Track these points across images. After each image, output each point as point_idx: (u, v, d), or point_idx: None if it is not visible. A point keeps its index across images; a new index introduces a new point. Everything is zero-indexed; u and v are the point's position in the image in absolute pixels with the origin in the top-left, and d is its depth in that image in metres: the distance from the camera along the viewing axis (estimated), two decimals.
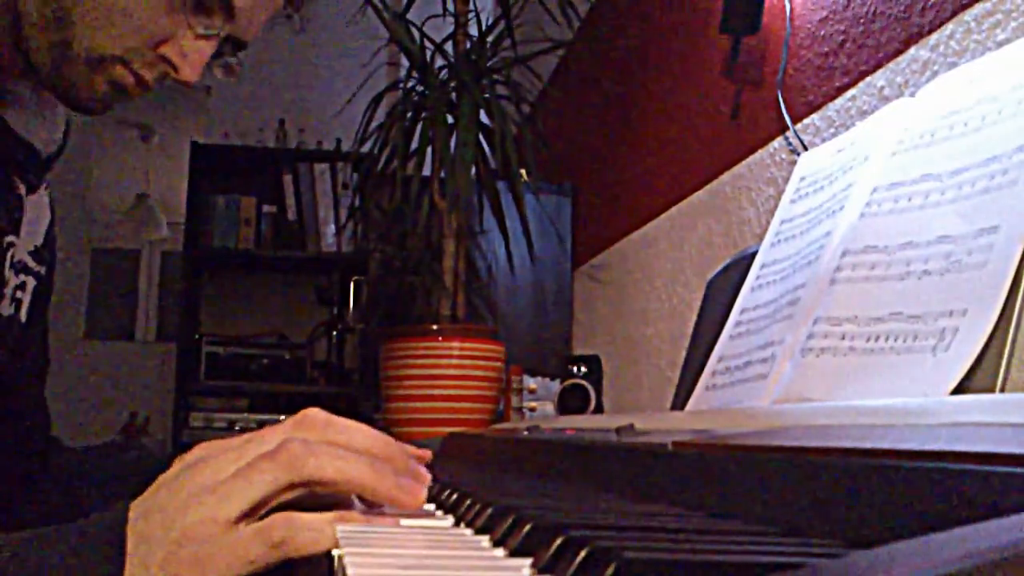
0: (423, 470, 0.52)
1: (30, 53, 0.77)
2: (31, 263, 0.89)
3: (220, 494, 0.46)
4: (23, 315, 0.88)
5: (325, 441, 0.49)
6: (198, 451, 0.51)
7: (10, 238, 0.84)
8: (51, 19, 0.75)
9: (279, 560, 0.46)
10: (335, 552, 0.41)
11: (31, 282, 0.88)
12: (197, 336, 3.52)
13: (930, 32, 1.07)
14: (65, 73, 0.77)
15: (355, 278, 3.44)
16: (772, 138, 1.44)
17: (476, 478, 0.73)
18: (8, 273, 0.84)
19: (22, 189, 0.86)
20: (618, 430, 0.62)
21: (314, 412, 0.52)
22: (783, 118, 1.37)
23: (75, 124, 0.94)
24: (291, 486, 0.47)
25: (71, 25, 0.75)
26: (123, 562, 0.46)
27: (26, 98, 0.84)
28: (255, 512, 0.46)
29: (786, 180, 1.06)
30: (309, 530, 0.45)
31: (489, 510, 0.43)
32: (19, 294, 0.87)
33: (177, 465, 0.51)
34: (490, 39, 2.01)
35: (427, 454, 0.61)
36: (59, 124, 0.90)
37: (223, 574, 0.46)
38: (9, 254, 0.84)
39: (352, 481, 0.47)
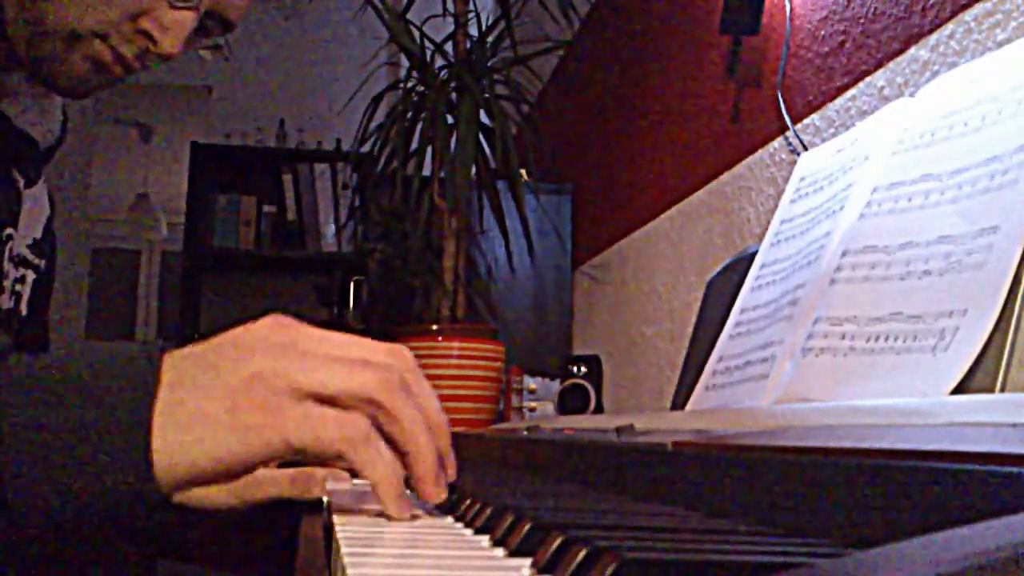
0: (452, 455, 0.53)
1: (7, 33, 0.77)
2: (30, 256, 0.89)
3: (307, 364, 0.47)
4: (23, 308, 0.88)
5: (413, 399, 0.49)
6: (275, 325, 0.51)
7: (9, 231, 0.84)
8: None
9: (325, 458, 0.46)
10: (338, 551, 0.41)
11: (30, 275, 0.88)
12: (197, 336, 3.51)
13: (930, 32, 1.07)
14: (42, 52, 0.76)
15: (355, 278, 3.44)
16: (772, 138, 1.44)
17: (476, 478, 0.73)
18: (7, 266, 0.84)
19: (20, 182, 0.86)
20: (618, 430, 0.62)
21: (408, 355, 0.52)
22: (783, 118, 1.37)
23: (74, 122, 0.94)
24: (375, 403, 0.47)
25: (45, 0, 0.74)
26: (153, 396, 0.46)
27: (23, 90, 0.84)
28: (325, 401, 0.46)
29: (786, 180, 1.06)
30: (366, 460, 0.46)
31: (489, 510, 0.43)
32: (18, 287, 0.87)
33: (240, 330, 0.51)
34: (490, 39, 2.01)
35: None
36: (56, 116, 0.89)
37: (280, 439, 0.46)
38: (8, 247, 0.84)
39: (416, 453, 0.48)
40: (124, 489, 0.45)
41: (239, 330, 0.50)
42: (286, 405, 0.46)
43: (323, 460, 0.48)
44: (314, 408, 0.46)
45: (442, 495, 0.49)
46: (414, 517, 0.49)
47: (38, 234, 0.90)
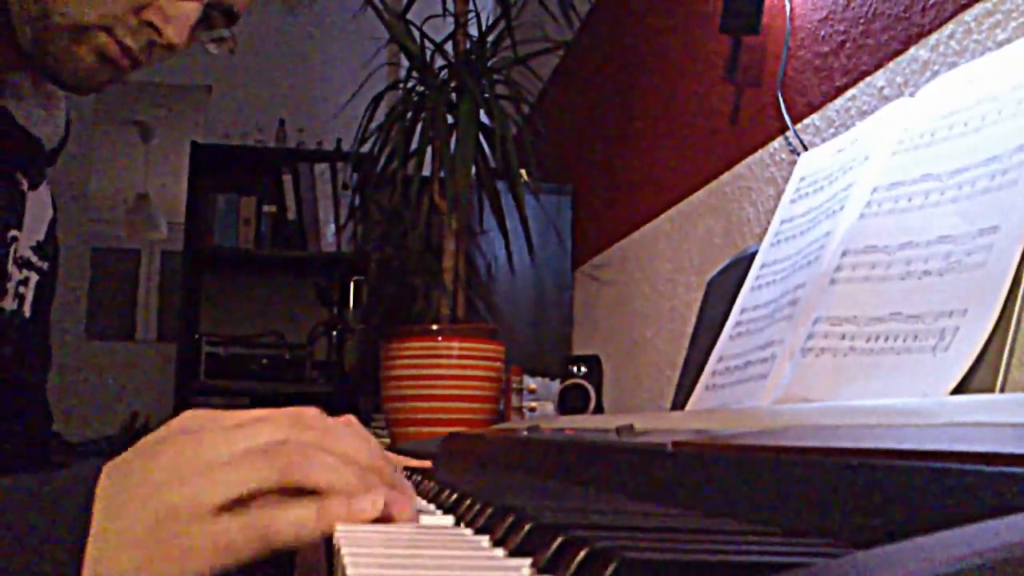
0: (407, 483, 0.51)
1: (14, 29, 0.77)
2: (34, 258, 0.89)
3: (209, 479, 0.45)
4: (26, 310, 0.88)
5: (320, 446, 0.48)
6: (186, 420, 0.50)
7: (13, 233, 0.84)
8: None
9: (263, 552, 0.45)
10: (338, 551, 0.41)
11: (34, 277, 0.88)
12: (197, 336, 3.52)
13: (930, 32, 1.07)
14: (48, 46, 0.76)
15: (355, 278, 3.44)
16: (772, 138, 1.44)
17: (476, 478, 0.73)
18: (11, 268, 0.84)
19: (24, 184, 0.86)
20: (618, 430, 0.62)
21: (312, 413, 0.51)
22: (783, 118, 1.37)
23: (75, 123, 0.94)
24: (280, 488, 0.46)
25: None
26: (88, 522, 0.45)
27: (28, 91, 0.84)
28: (239, 504, 0.45)
29: (786, 180, 1.06)
30: (292, 524, 0.45)
31: (489, 510, 0.43)
32: (22, 289, 0.87)
33: (163, 430, 0.49)
34: (490, 39, 2.01)
35: (426, 464, 0.61)
36: (61, 118, 0.90)
37: (205, 563, 0.44)
38: (12, 249, 0.84)
39: (339, 490, 0.46)
40: None
41: (152, 437, 0.49)
42: (201, 534, 0.45)
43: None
44: (262, 522, 0.45)
45: (406, 512, 0.47)
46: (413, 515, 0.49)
47: (41, 236, 0.90)
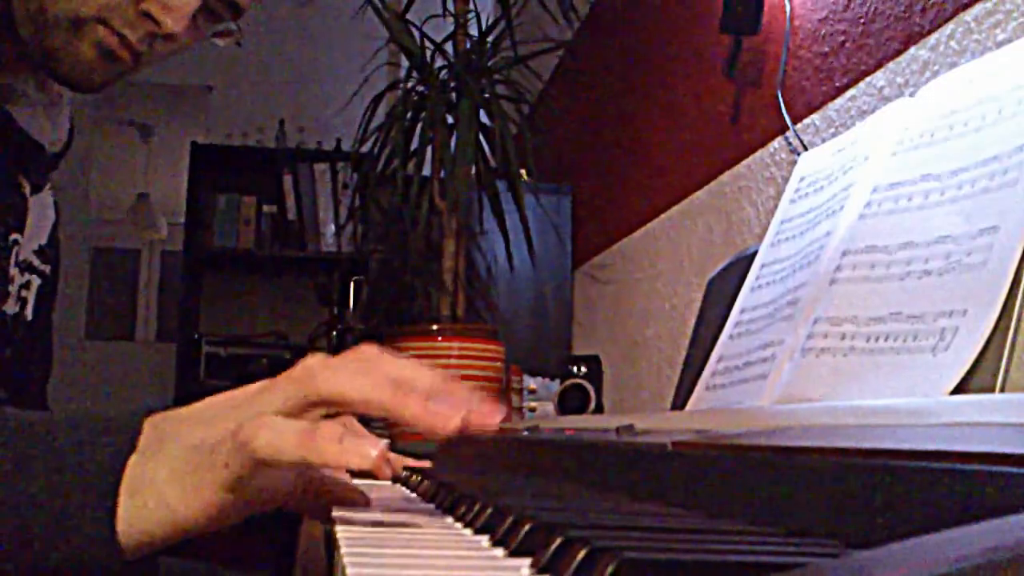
0: (491, 402, 0.49)
1: (17, 28, 0.77)
2: (36, 262, 0.89)
3: (241, 409, 0.47)
4: (28, 313, 0.88)
5: (357, 364, 0.48)
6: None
7: (15, 236, 0.84)
8: None
9: (249, 465, 0.44)
10: (338, 550, 0.40)
11: (36, 281, 0.88)
12: (197, 336, 3.52)
13: (930, 32, 1.07)
14: (48, 40, 0.76)
15: (355, 278, 3.44)
16: (772, 138, 1.44)
17: (476, 478, 0.73)
18: (13, 271, 0.84)
19: (27, 188, 0.86)
20: (618, 430, 0.62)
21: (369, 347, 0.51)
22: (783, 118, 1.37)
23: (75, 122, 0.94)
24: (309, 403, 0.46)
25: None
26: (124, 464, 0.47)
27: (32, 96, 0.84)
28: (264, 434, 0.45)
29: (786, 180, 1.06)
30: (273, 433, 0.44)
31: (489, 510, 0.43)
32: (24, 293, 0.87)
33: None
34: (490, 39, 2.01)
35: (426, 464, 0.62)
36: (64, 123, 0.90)
37: (215, 491, 0.46)
38: (14, 252, 0.84)
39: (371, 402, 0.46)
40: (88, 557, 0.46)
41: (223, 395, 0.51)
42: (223, 454, 0.46)
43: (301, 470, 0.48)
44: (246, 432, 0.45)
45: (448, 425, 0.46)
46: (414, 513, 0.49)
47: (43, 240, 0.90)
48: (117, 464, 0.47)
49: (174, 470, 0.46)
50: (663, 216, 1.90)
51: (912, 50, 1.10)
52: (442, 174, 1.92)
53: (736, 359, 0.91)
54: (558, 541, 0.32)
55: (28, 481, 0.46)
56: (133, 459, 0.47)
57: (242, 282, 3.89)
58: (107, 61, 0.79)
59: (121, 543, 0.46)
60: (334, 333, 3.59)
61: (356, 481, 0.57)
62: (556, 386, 1.94)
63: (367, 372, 0.47)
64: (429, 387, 0.48)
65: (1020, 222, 0.58)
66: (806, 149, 1.30)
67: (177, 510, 0.46)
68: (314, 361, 0.47)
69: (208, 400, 0.50)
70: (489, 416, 0.47)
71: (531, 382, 1.93)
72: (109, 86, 0.82)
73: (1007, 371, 0.56)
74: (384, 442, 0.44)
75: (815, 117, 1.32)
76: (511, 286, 2.37)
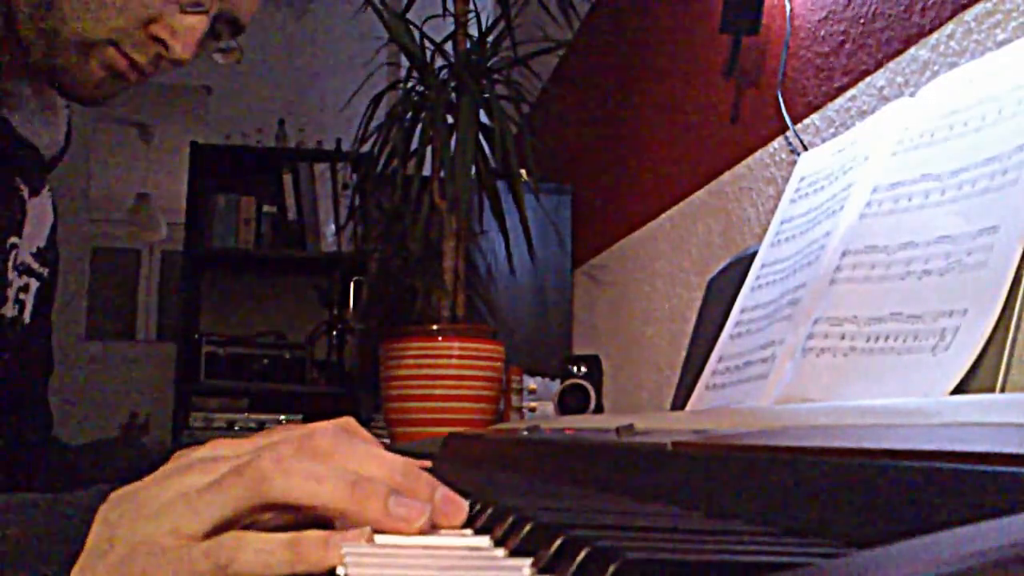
0: (454, 496, 0.44)
1: (25, 45, 0.77)
2: (34, 265, 0.89)
3: (190, 507, 0.43)
4: (26, 317, 0.88)
5: (312, 456, 0.44)
6: (201, 450, 0.49)
7: (13, 239, 0.84)
8: (40, 6, 0.76)
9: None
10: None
11: (34, 284, 0.88)
12: (197, 336, 3.52)
13: (930, 32, 1.07)
14: (58, 61, 0.77)
15: (355, 278, 3.44)
16: (772, 138, 1.44)
17: (476, 478, 0.73)
18: (11, 275, 0.85)
19: (25, 191, 0.86)
20: (618, 430, 0.62)
21: (324, 427, 0.47)
22: (783, 118, 1.37)
23: (75, 122, 0.94)
24: (261, 507, 0.42)
25: (59, 11, 0.75)
26: (79, 549, 0.43)
27: (29, 100, 0.85)
28: (224, 530, 0.42)
29: (786, 180, 1.06)
30: (257, 551, 0.41)
31: (489, 510, 0.43)
32: (22, 296, 0.87)
33: (172, 463, 0.48)
34: (490, 39, 2.01)
35: (426, 464, 0.58)
36: (61, 126, 0.90)
37: None
38: (12, 255, 0.84)
39: (328, 506, 0.42)
40: None
41: (166, 475, 0.46)
42: (161, 568, 0.42)
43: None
44: (226, 553, 0.42)
45: (413, 524, 0.41)
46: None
47: (42, 243, 0.90)
48: (66, 561, 0.43)
49: (122, 568, 0.42)
50: (663, 216, 1.90)
51: (912, 50, 1.10)
52: (442, 174, 1.92)
53: (736, 359, 0.91)
54: (559, 541, 0.32)
55: None
56: (75, 569, 0.43)
57: (242, 282, 3.89)
58: (113, 79, 0.80)
59: None
60: (334, 333, 3.59)
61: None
62: (556, 386, 1.94)
63: (322, 474, 0.42)
64: (390, 481, 0.43)
65: (1020, 222, 0.58)
66: (806, 149, 1.30)
67: None
68: (267, 463, 0.42)
69: (154, 483, 0.45)
70: (453, 514, 0.43)
71: (531, 382, 1.93)
72: (111, 99, 0.82)
73: (1007, 371, 0.56)
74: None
75: (815, 117, 1.32)
76: (511, 286, 2.37)
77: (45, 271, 0.91)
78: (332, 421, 0.51)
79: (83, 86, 0.79)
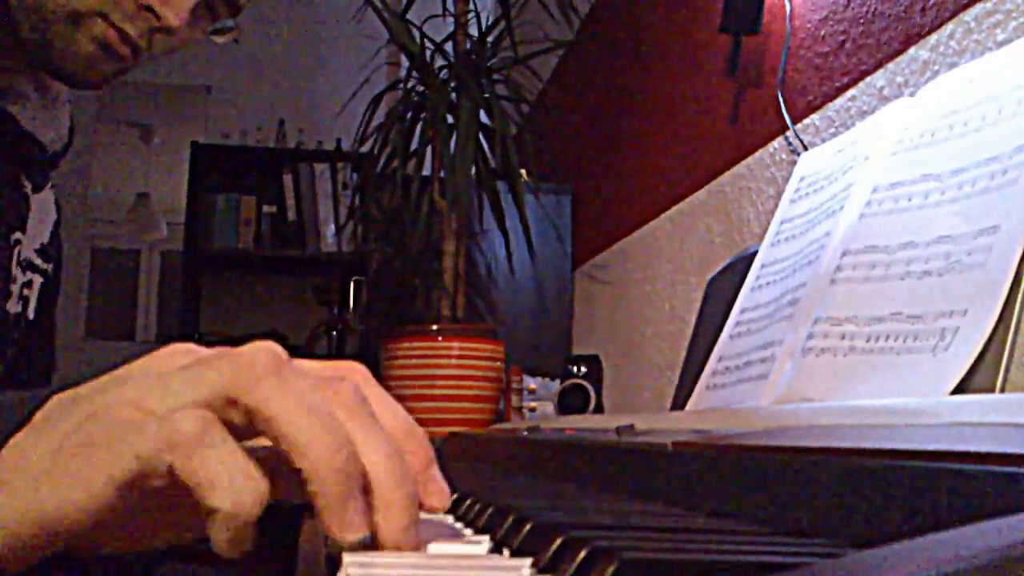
0: (442, 484, 0.39)
1: (14, 20, 0.77)
2: (38, 261, 0.89)
3: (159, 382, 0.36)
4: (30, 313, 0.88)
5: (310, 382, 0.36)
6: (165, 350, 0.41)
7: (17, 235, 0.84)
8: None
9: (164, 475, 0.34)
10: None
11: (38, 280, 0.89)
12: (197, 336, 3.52)
13: (930, 32, 1.07)
14: (48, 37, 0.76)
15: (355, 278, 3.44)
16: (772, 138, 1.44)
17: (476, 478, 0.73)
18: (15, 271, 0.85)
19: (28, 187, 0.86)
20: (618, 430, 0.62)
21: (358, 366, 0.40)
22: (783, 118, 1.37)
23: (75, 123, 0.94)
24: (232, 403, 0.35)
25: None
26: (24, 422, 0.38)
27: (32, 96, 0.84)
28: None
29: (786, 180, 1.06)
30: (217, 463, 0.33)
31: (489, 510, 0.43)
32: (26, 292, 0.87)
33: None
34: (490, 39, 2.01)
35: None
36: (64, 122, 0.90)
37: (109, 461, 0.34)
38: (16, 251, 0.84)
39: (299, 449, 0.34)
40: None
41: (145, 359, 0.41)
42: (137, 440, 0.34)
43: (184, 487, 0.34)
44: (137, 424, 0.35)
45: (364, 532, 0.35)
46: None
47: (45, 239, 0.90)
48: None
49: (59, 451, 0.35)
50: (663, 216, 1.90)
51: (912, 50, 1.10)
52: (442, 174, 1.92)
53: (736, 359, 0.91)
54: (559, 541, 0.32)
55: None
56: (13, 441, 0.37)
57: (242, 282, 3.89)
58: (106, 56, 0.78)
59: None
60: (334, 333, 3.59)
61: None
62: (556, 386, 1.94)
63: (319, 414, 0.35)
64: (387, 457, 0.36)
65: (1020, 222, 0.58)
66: (806, 149, 1.30)
67: (47, 501, 0.34)
68: (266, 361, 0.35)
69: (135, 363, 0.40)
70: (437, 497, 0.38)
71: (531, 382, 1.93)
72: (108, 83, 0.82)
73: (1007, 371, 0.56)
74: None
75: (815, 117, 1.32)
76: (511, 286, 2.37)
77: (49, 267, 0.91)
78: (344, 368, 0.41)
79: (74, 64, 0.78)
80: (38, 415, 0.38)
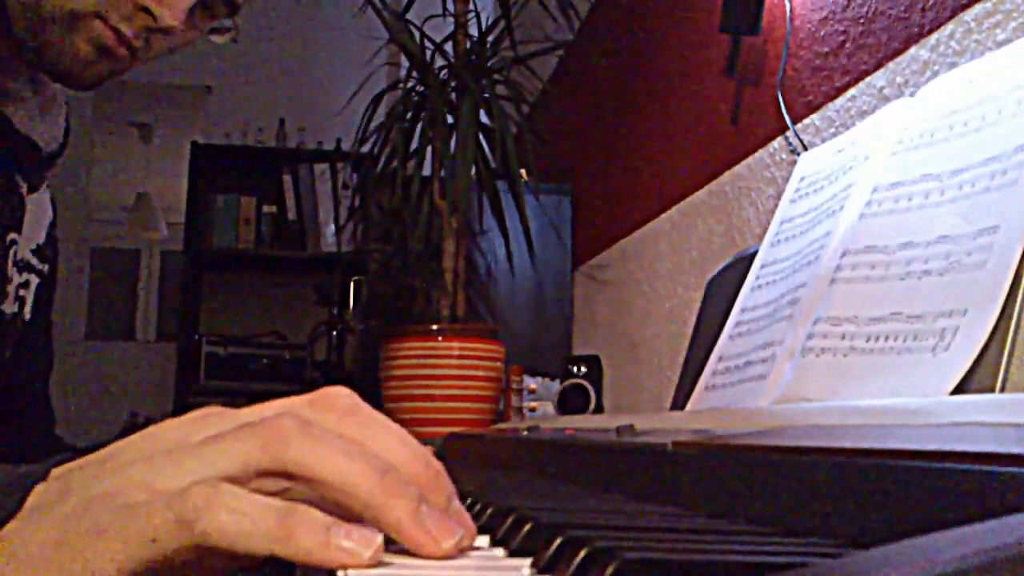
0: (466, 515, 0.38)
1: (10, 20, 0.77)
2: (34, 261, 0.89)
3: (172, 459, 0.35)
4: (27, 313, 0.88)
5: (336, 430, 0.37)
6: (192, 414, 0.40)
7: (12, 236, 0.84)
8: None
9: (189, 546, 0.33)
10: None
11: (34, 280, 0.89)
12: (197, 336, 3.52)
13: (930, 32, 1.07)
14: (44, 38, 0.76)
15: (355, 278, 3.44)
16: (772, 138, 1.44)
17: (476, 478, 0.73)
18: (11, 271, 0.85)
19: (24, 187, 0.86)
20: (618, 430, 0.62)
21: (338, 390, 0.40)
22: (783, 118, 1.37)
23: (75, 122, 0.94)
24: (266, 473, 0.35)
25: None
26: (22, 502, 0.37)
27: (28, 97, 0.84)
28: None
29: (786, 180, 1.06)
30: (234, 512, 0.33)
31: (489, 510, 0.43)
32: (22, 292, 0.87)
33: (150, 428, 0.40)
34: (490, 39, 2.01)
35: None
36: (60, 122, 0.90)
37: (120, 549, 0.33)
38: (12, 252, 0.84)
39: (347, 488, 0.34)
40: None
41: (157, 427, 0.39)
42: (150, 525, 0.33)
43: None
44: (195, 505, 0.33)
45: (442, 546, 0.35)
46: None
47: (41, 239, 0.90)
48: None
49: (63, 539, 0.34)
50: (663, 216, 1.90)
51: (912, 50, 1.10)
52: (442, 174, 1.92)
53: (736, 359, 0.91)
54: (558, 541, 0.32)
55: None
56: (12, 525, 0.36)
57: (242, 282, 3.89)
58: (102, 56, 0.78)
59: None
60: (334, 333, 3.59)
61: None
62: (556, 386, 1.94)
63: (353, 452, 0.35)
64: (419, 478, 0.37)
65: (1020, 222, 0.58)
66: (806, 149, 1.30)
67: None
68: (291, 424, 0.35)
69: (136, 437, 0.38)
70: (470, 534, 0.37)
71: (531, 382, 1.93)
72: (104, 82, 0.81)
73: (1007, 371, 0.56)
74: (379, 537, 0.34)
75: (815, 117, 1.32)
76: (511, 286, 2.37)
77: (45, 268, 0.91)
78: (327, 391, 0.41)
79: (71, 64, 0.77)
80: (36, 493, 0.37)
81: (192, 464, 0.35)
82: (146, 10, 0.77)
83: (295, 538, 0.33)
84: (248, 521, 0.33)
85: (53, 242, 0.93)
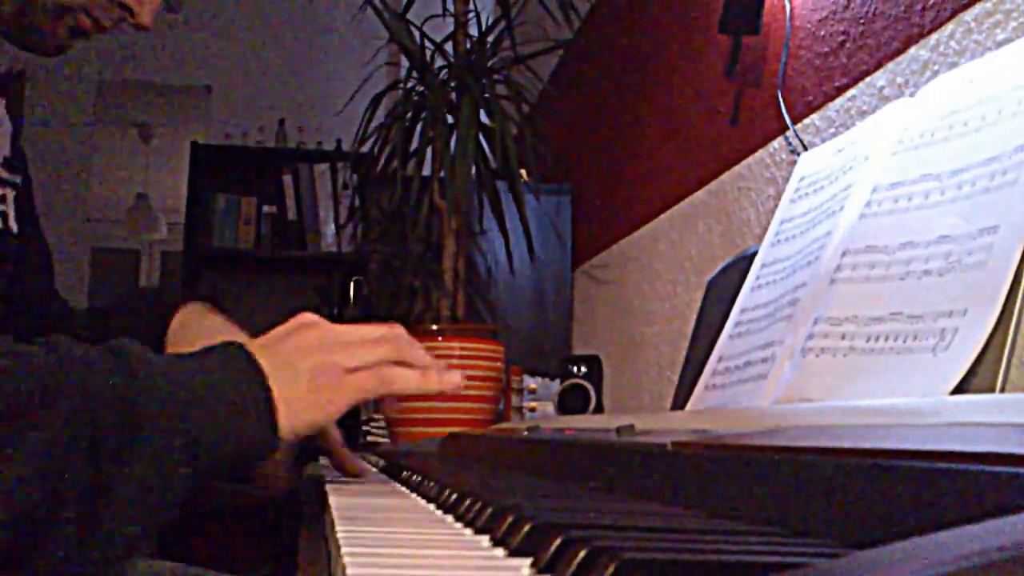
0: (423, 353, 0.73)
1: None
2: (4, 174, 0.91)
3: (347, 352, 0.67)
4: (13, 226, 0.91)
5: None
6: (306, 317, 0.71)
7: None
8: None
9: (382, 392, 0.68)
10: (338, 550, 0.40)
11: (10, 193, 0.91)
12: None
13: (930, 32, 1.07)
14: (28, 22, 0.82)
15: (355, 278, 3.44)
16: (772, 138, 1.44)
17: (476, 478, 0.73)
18: None
19: None
20: (618, 430, 0.62)
21: (312, 317, 0.71)
22: (783, 118, 1.37)
23: (75, 123, 0.96)
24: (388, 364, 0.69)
25: None
26: (270, 393, 0.61)
27: None
28: (359, 371, 0.67)
29: (786, 180, 1.06)
30: (403, 376, 0.69)
31: (489, 510, 0.43)
32: (1, 207, 0.90)
33: (291, 324, 0.70)
34: (490, 39, 2.01)
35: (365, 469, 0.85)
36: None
37: (346, 401, 0.66)
38: None
39: (426, 374, 0.71)
40: (258, 441, 0.61)
41: (283, 330, 0.69)
42: (343, 382, 0.66)
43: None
44: (389, 372, 0.69)
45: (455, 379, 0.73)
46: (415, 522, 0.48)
47: (7, 151, 0.93)
48: (262, 389, 0.61)
49: (310, 386, 0.64)
50: (663, 216, 1.90)
51: (912, 50, 1.10)
52: (442, 174, 1.92)
53: (736, 359, 0.91)
54: (558, 541, 0.32)
55: (200, 406, 0.57)
56: (270, 381, 0.61)
57: (242, 282, 3.89)
58: (74, 36, 0.85)
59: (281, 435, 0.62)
60: None
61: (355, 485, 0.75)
62: (556, 386, 1.93)
63: (425, 354, 0.74)
64: (422, 359, 0.74)
65: (1020, 222, 0.58)
66: (806, 149, 1.30)
67: (316, 417, 0.64)
68: (399, 336, 0.71)
69: (307, 330, 0.68)
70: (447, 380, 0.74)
71: (531, 382, 1.93)
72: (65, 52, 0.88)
73: (1007, 371, 0.56)
74: (457, 375, 0.74)
75: (815, 117, 1.32)
76: (511, 286, 2.37)
77: (18, 179, 0.93)
78: (301, 320, 0.72)
79: (44, 43, 0.84)
80: (263, 364, 0.64)
81: (361, 354, 0.69)
82: (126, 8, 0.83)
83: (430, 381, 0.71)
84: (414, 375, 0.70)
85: (20, 153, 0.96)
